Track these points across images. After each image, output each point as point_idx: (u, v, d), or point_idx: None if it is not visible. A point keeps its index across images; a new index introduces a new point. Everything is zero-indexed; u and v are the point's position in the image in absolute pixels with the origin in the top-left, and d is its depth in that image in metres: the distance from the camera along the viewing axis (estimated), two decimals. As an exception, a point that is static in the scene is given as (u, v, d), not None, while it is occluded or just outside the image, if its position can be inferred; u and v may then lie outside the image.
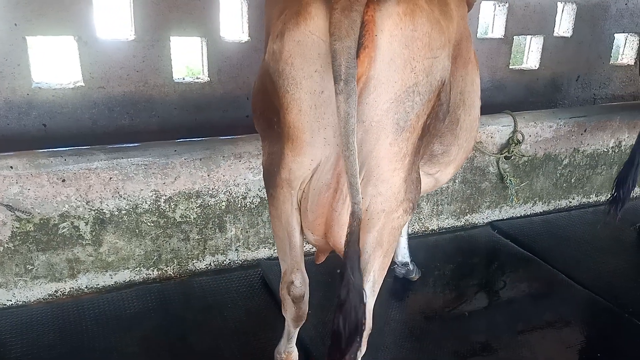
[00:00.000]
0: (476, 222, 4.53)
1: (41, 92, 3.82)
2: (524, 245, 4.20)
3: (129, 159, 3.24)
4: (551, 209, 4.84)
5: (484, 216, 4.54)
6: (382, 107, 1.74)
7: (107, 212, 3.27)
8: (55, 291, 3.30)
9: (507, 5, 5.13)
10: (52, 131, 3.93)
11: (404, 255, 3.62)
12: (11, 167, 2.99)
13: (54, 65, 6.59)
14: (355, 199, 1.75)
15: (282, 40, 1.77)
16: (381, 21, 1.66)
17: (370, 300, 2.06)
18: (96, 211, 3.25)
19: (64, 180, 3.11)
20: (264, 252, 3.79)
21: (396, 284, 3.66)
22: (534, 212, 4.77)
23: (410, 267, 3.62)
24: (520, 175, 4.56)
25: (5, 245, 3.10)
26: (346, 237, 1.79)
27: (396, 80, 1.72)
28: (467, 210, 4.45)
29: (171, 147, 3.37)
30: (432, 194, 4.22)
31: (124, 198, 3.29)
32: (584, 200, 4.98)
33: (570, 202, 4.93)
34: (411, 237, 4.23)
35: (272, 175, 2.06)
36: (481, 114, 4.28)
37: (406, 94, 1.74)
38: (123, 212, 3.31)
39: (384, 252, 1.99)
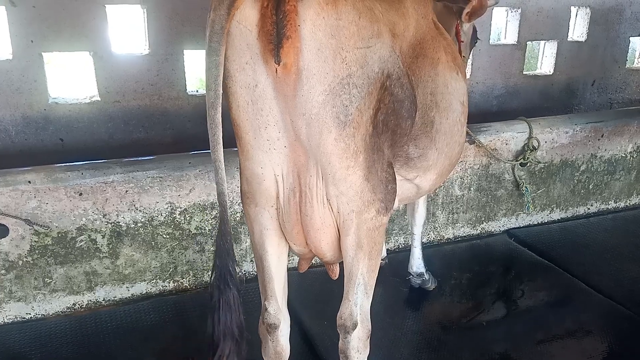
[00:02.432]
0: (492, 230, 4.48)
1: (58, 107, 3.88)
2: (541, 253, 4.15)
3: (144, 172, 3.27)
4: (569, 216, 4.78)
5: (500, 224, 4.50)
6: (317, 99, 1.70)
7: (123, 224, 3.30)
8: (73, 304, 3.33)
9: (519, 11, 5.10)
10: (69, 145, 3.99)
11: (418, 266, 3.59)
12: (29, 182, 3.03)
13: (70, 80, 6.70)
14: (219, 188, 1.81)
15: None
16: (303, 11, 1.61)
17: (365, 302, 2.07)
18: (113, 224, 3.28)
19: (81, 194, 3.15)
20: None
21: (412, 294, 3.63)
22: (552, 219, 4.71)
23: (426, 277, 3.60)
24: (537, 182, 4.51)
25: (24, 259, 3.14)
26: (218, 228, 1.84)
27: (327, 71, 1.68)
28: (483, 218, 4.41)
29: (185, 159, 3.39)
30: (447, 202, 4.20)
31: (140, 210, 3.31)
32: (603, 206, 4.91)
33: (589, 208, 4.86)
34: (427, 246, 4.21)
35: (241, 192, 2.08)
36: (495, 121, 4.36)
37: (340, 85, 1.70)
38: (139, 224, 3.33)
39: (366, 254, 1.99)
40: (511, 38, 5.25)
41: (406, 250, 4.06)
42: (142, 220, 3.34)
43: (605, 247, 4.29)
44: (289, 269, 2.26)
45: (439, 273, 3.81)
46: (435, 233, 4.27)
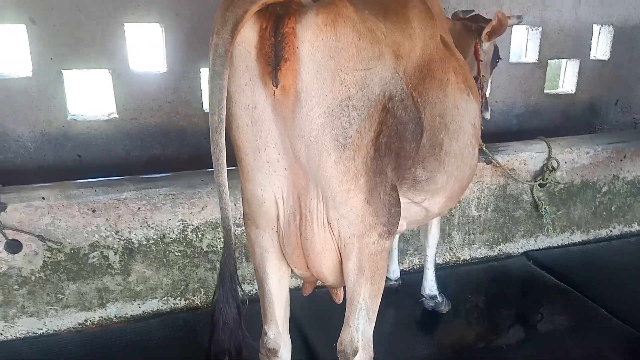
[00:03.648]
0: (510, 252, 4.39)
1: (76, 124, 3.94)
2: (561, 277, 4.03)
3: (157, 189, 3.28)
4: (590, 238, 4.65)
5: (519, 246, 4.40)
6: (316, 121, 1.68)
7: (135, 241, 3.31)
8: (85, 320, 3.35)
9: (540, 29, 5.04)
10: (87, 162, 4.04)
11: (431, 288, 3.52)
12: (43, 198, 3.06)
13: (89, 97, 6.82)
14: (224, 212, 1.81)
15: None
16: (301, 32, 1.60)
17: (367, 327, 2.02)
18: (125, 241, 3.29)
19: (94, 211, 3.17)
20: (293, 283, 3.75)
21: (425, 317, 3.56)
22: (572, 241, 4.59)
23: (439, 299, 3.52)
24: (557, 203, 4.41)
25: (37, 275, 3.16)
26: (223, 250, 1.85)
27: (326, 93, 1.65)
28: (501, 240, 4.32)
29: (198, 177, 3.40)
30: (463, 222, 4.12)
31: (152, 228, 3.32)
32: (626, 229, 4.77)
33: (611, 231, 4.73)
34: (442, 267, 4.14)
35: (243, 214, 2.07)
36: (513, 140, 4.29)
37: (340, 108, 1.68)
38: (151, 241, 3.34)
39: (368, 278, 1.95)
40: (532, 56, 5.18)
41: (421, 271, 3.99)
42: (154, 237, 3.35)
43: (627, 271, 4.15)
44: (296, 290, 2.22)
45: (454, 295, 3.74)
46: (451, 254, 4.19)
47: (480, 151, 3.92)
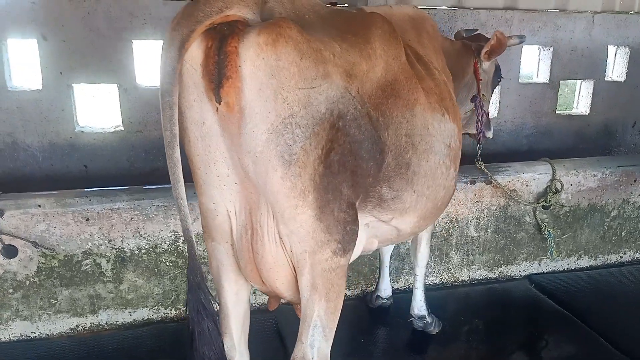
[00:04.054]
0: (512, 274, 4.29)
1: (83, 135, 4.09)
2: (562, 303, 3.92)
3: (150, 200, 3.36)
4: (599, 263, 4.51)
5: (521, 269, 4.30)
6: (260, 137, 1.70)
7: (127, 250, 3.39)
8: (76, 326, 3.43)
9: (551, 49, 4.97)
10: (93, 172, 4.18)
11: (419, 308, 3.47)
12: (39, 206, 3.18)
13: (97, 110, 7.03)
14: (184, 224, 1.84)
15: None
16: (244, 51, 1.64)
17: (323, 345, 2.00)
18: (117, 250, 3.38)
19: (88, 219, 3.27)
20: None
21: (415, 338, 3.50)
22: (579, 266, 4.46)
23: (428, 320, 3.47)
24: (562, 226, 4.30)
25: (31, 280, 3.27)
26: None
27: (270, 110, 1.68)
28: (502, 262, 4.24)
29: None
30: (461, 242, 4.06)
31: (144, 238, 3.40)
32: (638, 255, 4.60)
33: (622, 257, 4.57)
34: (439, 288, 4.09)
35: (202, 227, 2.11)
36: (520, 160, 4.22)
37: (283, 125, 1.70)
38: (143, 251, 3.42)
39: (322, 295, 1.94)
40: (543, 77, 5.12)
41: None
42: (146, 247, 3.42)
43: (635, 300, 4.00)
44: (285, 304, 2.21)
45: (450, 316, 3.69)
46: (449, 274, 4.13)
47: (480, 171, 3.89)
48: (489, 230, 4.12)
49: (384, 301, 3.76)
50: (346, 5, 4.48)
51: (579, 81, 5.31)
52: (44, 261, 3.27)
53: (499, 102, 5.02)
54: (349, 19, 2.01)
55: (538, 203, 4.11)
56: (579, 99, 5.38)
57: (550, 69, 5.04)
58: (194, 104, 1.73)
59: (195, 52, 1.66)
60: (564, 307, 3.86)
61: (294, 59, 1.65)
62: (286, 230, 1.86)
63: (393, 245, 3.70)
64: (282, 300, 2.36)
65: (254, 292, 3.67)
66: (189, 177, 1.91)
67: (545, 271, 4.37)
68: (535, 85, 5.08)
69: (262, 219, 1.89)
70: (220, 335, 2.02)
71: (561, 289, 4.11)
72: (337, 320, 2.06)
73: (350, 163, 1.86)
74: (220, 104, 1.67)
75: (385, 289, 3.75)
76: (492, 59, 3.65)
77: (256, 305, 3.73)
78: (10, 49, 3.92)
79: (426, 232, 3.33)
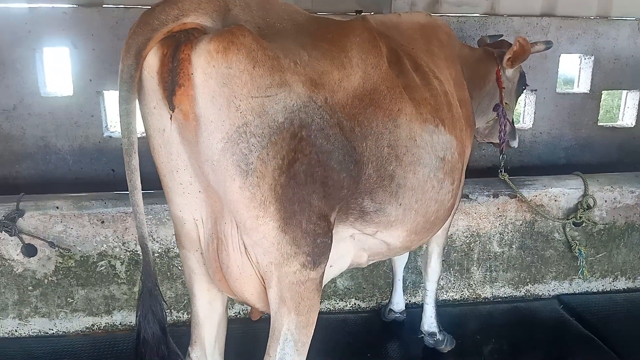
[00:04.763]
0: (540, 293, 4.08)
1: (111, 140, 4.22)
2: (590, 327, 3.68)
3: (162, 205, 3.42)
4: (638, 286, 4.22)
5: (550, 288, 4.08)
6: (217, 146, 1.67)
7: (140, 253, 3.45)
8: (92, 325, 3.54)
9: (592, 58, 4.73)
10: (120, 176, 4.28)
11: (430, 325, 3.35)
12: (57, 208, 3.30)
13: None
14: (139, 231, 1.84)
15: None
16: (195, 59, 1.61)
17: None
18: (131, 252, 3.46)
19: (103, 222, 3.37)
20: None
21: (425, 355, 3.39)
22: (615, 288, 4.19)
23: (439, 337, 3.34)
24: (596, 245, 4.06)
25: (49, 278, 3.40)
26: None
27: (224, 119, 1.65)
28: (528, 280, 4.04)
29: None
30: (483, 258, 3.90)
31: (157, 242, 3.46)
32: (682, 279, 4.28)
33: (664, 279, 4.26)
34: (459, 304, 3.95)
35: None
36: (557, 174, 4.01)
37: (237, 134, 1.66)
38: (156, 255, 3.48)
39: (291, 309, 1.89)
40: (584, 86, 4.86)
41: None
42: (159, 251, 3.48)
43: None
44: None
45: (468, 333, 3.55)
46: (470, 290, 3.98)
47: (503, 183, 3.73)
48: (513, 246, 3.94)
49: (397, 315, 3.66)
50: (372, 12, 4.43)
51: (624, 92, 5.01)
52: (61, 261, 3.39)
53: (534, 113, 4.81)
54: (327, 27, 1.97)
55: (568, 219, 3.89)
56: (625, 110, 5.07)
57: (592, 79, 4.78)
58: (154, 112, 1.73)
59: (152, 59, 1.66)
60: (592, 332, 3.63)
61: (245, 67, 1.62)
62: (250, 241, 1.84)
63: (406, 258, 3.60)
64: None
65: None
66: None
67: (577, 292, 4.13)
68: (574, 96, 4.83)
69: (227, 229, 1.87)
70: (165, 343, 1.94)
71: (592, 312, 3.87)
72: (311, 335, 2.01)
73: (319, 174, 1.81)
74: (173, 111, 1.67)
75: (398, 303, 3.65)
76: (516, 65, 3.50)
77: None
78: (45, 57, 4.11)
79: (437, 245, 3.22)
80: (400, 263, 3.58)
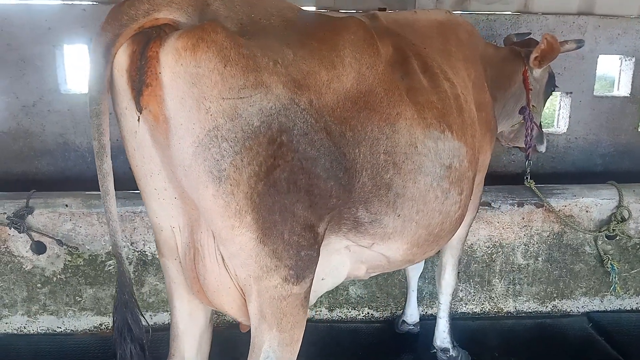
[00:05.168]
0: (568, 309, 3.83)
1: (129, 138, 4.19)
2: (620, 348, 3.42)
3: (171, 206, 3.35)
4: (678, 305, 3.92)
5: (579, 304, 3.83)
6: (187, 150, 1.56)
7: (149, 254, 3.41)
8: (100, 324, 3.51)
9: (633, 60, 4.42)
10: (137, 174, 4.27)
11: (443, 340, 3.17)
12: (66, 206, 3.28)
13: None
14: (112, 239, 1.74)
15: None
16: (163, 57, 1.50)
17: None
18: (139, 253, 3.41)
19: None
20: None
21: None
22: (652, 306, 3.90)
23: (453, 353, 3.16)
24: (630, 260, 3.78)
25: (58, 276, 3.39)
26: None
27: (194, 122, 1.53)
28: (556, 295, 3.80)
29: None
30: (506, 270, 3.69)
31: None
32: None
33: None
34: (479, 317, 3.76)
35: None
36: (589, 182, 3.76)
37: (208, 138, 1.54)
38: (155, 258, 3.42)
39: (272, 325, 1.77)
40: (624, 90, 4.56)
41: (453, 318, 3.65)
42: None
43: None
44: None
45: (486, 350, 3.37)
46: (492, 304, 3.77)
47: (530, 191, 3.52)
48: (539, 259, 3.71)
49: (410, 327, 3.50)
50: (396, 9, 4.26)
51: (669, 95, 4.68)
52: (70, 259, 3.37)
53: (569, 117, 4.54)
54: (319, 24, 1.84)
55: (600, 232, 3.64)
56: (670, 115, 4.74)
57: (632, 81, 4.48)
58: (126, 112, 1.63)
59: (122, 57, 1.57)
60: (621, 353, 3.37)
61: (216, 66, 1.50)
62: (226, 253, 1.73)
63: (421, 268, 3.43)
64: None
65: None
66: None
67: (608, 309, 3.86)
68: (613, 99, 4.53)
69: (203, 238, 1.77)
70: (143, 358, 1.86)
71: (623, 332, 3.61)
72: (296, 352, 1.88)
73: (303, 182, 1.68)
74: (141, 113, 1.57)
75: (412, 315, 3.49)
76: (544, 65, 3.28)
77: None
78: (64, 54, 4.12)
79: (451, 257, 3.05)
80: (414, 273, 3.41)
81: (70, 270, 3.39)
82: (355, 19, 1.91)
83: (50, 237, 3.26)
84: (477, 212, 3.03)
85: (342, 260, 2.10)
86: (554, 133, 4.60)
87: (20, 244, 3.31)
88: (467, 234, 3.05)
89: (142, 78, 1.53)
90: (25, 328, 3.46)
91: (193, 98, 1.51)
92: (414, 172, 2.00)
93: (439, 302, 3.18)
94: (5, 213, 3.21)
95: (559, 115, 4.69)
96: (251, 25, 1.67)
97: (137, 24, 1.53)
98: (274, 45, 1.63)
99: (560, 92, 4.59)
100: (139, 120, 1.60)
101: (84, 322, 3.50)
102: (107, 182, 1.70)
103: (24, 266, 3.35)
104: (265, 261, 1.69)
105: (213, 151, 1.55)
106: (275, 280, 1.73)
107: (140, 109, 1.56)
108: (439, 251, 3.11)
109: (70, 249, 3.30)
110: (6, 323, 3.43)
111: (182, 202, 1.74)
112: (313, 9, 4.32)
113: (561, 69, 4.36)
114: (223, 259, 1.77)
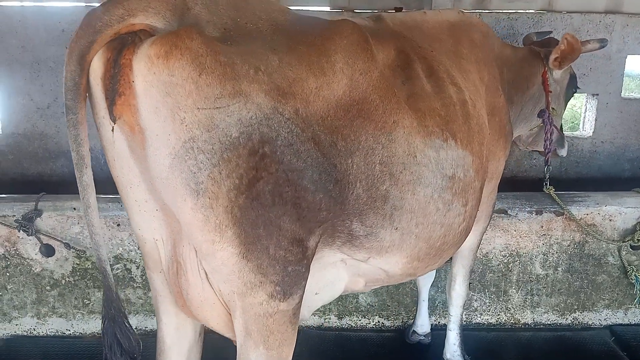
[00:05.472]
0: (589, 322, 3.66)
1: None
2: (644, 364, 3.26)
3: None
4: None
5: (601, 317, 3.65)
6: (164, 162, 1.49)
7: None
8: (108, 327, 3.49)
9: (664, 59, 4.20)
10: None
11: (453, 353, 3.06)
12: (74, 209, 3.27)
13: None
14: (96, 253, 1.68)
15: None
16: (136, 65, 1.43)
17: None
18: (147, 257, 3.38)
19: (119, 225, 3.31)
20: (312, 320, 3.55)
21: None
22: (681, 321, 3.70)
23: (463, 367, 3.05)
24: (657, 271, 3.59)
25: (67, 279, 3.39)
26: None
27: (169, 132, 1.46)
28: (576, 307, 3.63)
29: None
30: (523, 280, 3.54)
31: (173, 247, 3.37)
32: None
33: None
34: (494, 329, 3.63)
35: None
36: (616, 188, 3.59)
37: (184, 149, 1.46)
38: (171, 260, 3.39)
39: (258, 343, 1.70)
40: (655, 91, 4.34)
41: (468, 329, 3.53)
42: (175, 256, 3.39)
43: None
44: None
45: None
46: (508, 315, 3.62)
47: (549, 198, 3.37)
48: (559, 269, 3.55)
49: (421, 338, 3.39)
50: (413, 9, 4.14)
51: None
52: (78, 262, 3.37)
53: (595, 120, 4.34)
54: (311, 28, 1.75)
55: (624, 242, 3.46)
56: None
57: (663, 82, 4.26)
58: (104, 122, 1.58)
59: (97, 65, 1.51)
60: (646, 371, 3.21)
61: (190, 74, 1.42)
62: (209, 267, 1.66)
63: (432, 278, 3.32)
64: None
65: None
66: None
67: (633, 322, 3.67)
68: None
69: (185, 252, 1.70)
70: None
71: (647, 347, 3.43)
72: None
73: (289, 194, 1.60)
74: (115, 123, 1.51)
75: (423, 325, 3.38)
76: (564, 66, 3.13)
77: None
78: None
79: (462, 267, 2.93)
80: (425, 282, 3.30)
81: (78, 273, 3.39)
82: (350, 22, 1.81)
83: (58, 240, 3.26)
84: (490, 220, 2.90)
85: (337, 274, 2.02)
86: (579, 137, 4.42)
87: (29, 247, 3.32)
88: (479, 244, 2.93)
89: (114, 87, 1.47)
90: (34, 330, 3.48)
91: (167, 108, 1.45)
92: (412, 183, 1.90)
93: (449, 314, 3.07)
94: (15, 215, 3.23)
95: (584, 118, 4.50)
96: (236, 30, 1.59)
97: (112, 30, 1.47)
98: (259, 51, 1.56)
99: (586, 94, 4.40)
100: (112, 130, 1.55)
101: (92, 325, 3.50)
102: (88, 195, 1.64)
103: (33, 268, 3.36)
104: (249, 277, 1.62)
105: (189, 163, 1.48)
106: (260, 296, 1.66)
107: (114, 119, 1.51)
108: (451, 260, 3.00)
109: (77, 252, 3.30)
110: (16, 325, 3.46)
111: (163, 214, 1.68)
112: (327, 9, 4.23)
113: (587, 70, 4.18)
114: (206, 274, 1.70)
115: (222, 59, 1.46)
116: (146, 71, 1.43)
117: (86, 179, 1.62)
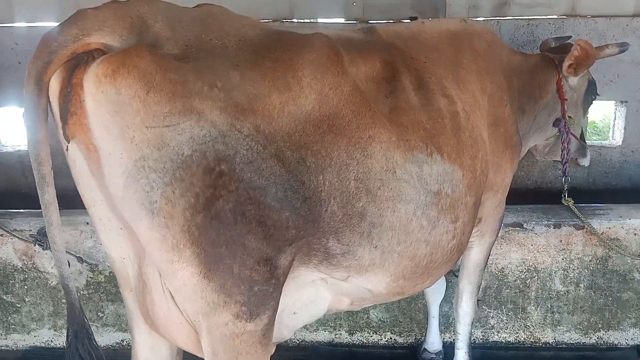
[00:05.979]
0: (615, 342, 3.46)
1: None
2: (674, 388, 3.05)
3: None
4: None
5: (628, 336, 3.45)
6: (118, 181, 1.49)
7: (167, 272, 3.42)
8: (121, 340, 3.56)
9: (694, 62, 3.97)
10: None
11: (459, 373, 2.95)
12: (87, 223, 3.35)
13: None
14: (59, 271, 1.69)
15: None
16: (86, 84, 1.44)
17: None
18: (158, 271, 3.42)
19: (130, 239, 3.37)
20: (323, 335, 3.50)
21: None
22: None
23: (472, 388, 2.93)
24: (690, 289, 3.37)
25: (81, 292, 3.46)
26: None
27: (121, 151, 1.46)
28: (601, 325, 3.44)
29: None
30: (542, 297, 3.39)
31: (182, 261, 3.40)
32: None
33: None
34: (513, 347, 3.49)
35: None
36: (635, 202, 3.41)
37: (136, 168, 1.46)
38: (181, 274, 3.42)
39: None
40: (689, 96, 4.11)
41: (482, 347, 3.41)
42: (185, 270, 3.41)
43: None
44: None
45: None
46: (527, 333, 3.47)
47: (568, 210, 3.22)
48: (581, 286, 3.38)
49: (432, 356, 3.28)
50: (429, 18, 4.06)
51: None
52: (92, 276, 3.44)
53: (624, 128, 4.14)
54: (279, 43, 1.71)
55: (650, 257, 3.27)
56: None
57: (698, 87, 4.02)
58: (63, 140, 1.60)
59: (54, 84, 1.53)
60: (675, 396, 3.00)
61: (137, 92, 1.42)
62: (171, 287, 1.65)
63: (442, 294, 3.21)
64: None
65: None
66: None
67: (664, 343, 3.46)
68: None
69: (149, 271, 1.70)
70: None
71: (680, 370, 3.22)
72: None
73: (252, 212, 1.57)
74: (69, 142, 1.53)
75: (433, 343, 3.27)
76: (580, 73, 3.00)
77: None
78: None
79: (468, 284, 2.83)
80: (434, 299, 3.20)
81: (92, 287, 3.46)
82: (322, 36, 1.78)
83: (71, 255, 3.34)
84: (497, 235, 2.79)
85: (318, 293, 1.97)
86: (607, 146, 4.22)
87: (45, 260, 3.42)
88: (487, 259, 2.82)
89: (66, 106, 1.50)
90: (52, 342, 3.57)
91: (117, 126, 1.46)
92: (392, 200, 1.84)
93: (457, 332, 2.97)
94: (31, 230, 3.33)
95: (613, 125, 4.30)
96: (198, 46, 1.59)
97: (68, 50, 1.49)
98: (219, 67, 1.55)
99: (614, 102, 4.21)
100: (67, 150, 1.57)
101: (106, 337, 3.56)
102: (50, 213, 1.66)
103: (49, 282, 3.46)
104: (212, 297, 1.60)
105: (142, 182, 1.48)
106: (225, 317, 1.63)
107: (67, 139, 1.53)
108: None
109: (90, 266, 3.37)
110: (35, 336, 3.55)
111: (128, 232, 1.68)
112: (342, 20, 4.21)
113: (614, 76, 4.00)
114: (171, 293, 1.70)
115: (172, 76, 1.45)
116: (95, 90, 1.45)
117: (47, 198, 1.64)
